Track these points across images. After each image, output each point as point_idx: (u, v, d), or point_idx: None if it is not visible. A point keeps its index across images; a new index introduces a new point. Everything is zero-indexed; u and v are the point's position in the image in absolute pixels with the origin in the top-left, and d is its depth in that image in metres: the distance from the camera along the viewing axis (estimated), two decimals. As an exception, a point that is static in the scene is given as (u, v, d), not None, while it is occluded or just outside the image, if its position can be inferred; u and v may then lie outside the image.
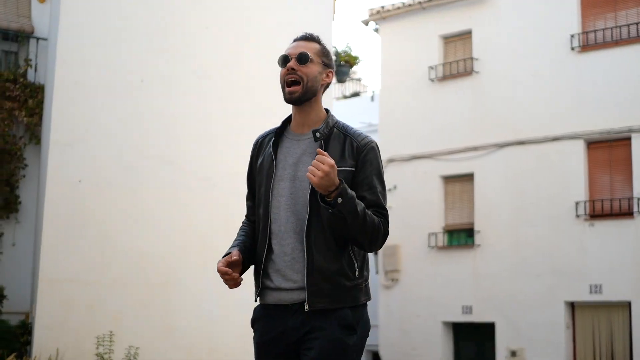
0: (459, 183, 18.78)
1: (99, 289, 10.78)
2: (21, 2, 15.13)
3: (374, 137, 19.30)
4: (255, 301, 3.57)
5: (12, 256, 13.47)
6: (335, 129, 3.53)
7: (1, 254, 13.29)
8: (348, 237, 3.37)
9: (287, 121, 3.66)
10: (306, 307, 3.36)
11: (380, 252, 19.08)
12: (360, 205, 3.31)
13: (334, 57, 14.65)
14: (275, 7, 12.93)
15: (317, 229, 3.39)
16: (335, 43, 17.81)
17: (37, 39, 14.70)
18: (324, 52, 3.60)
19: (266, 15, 12.78)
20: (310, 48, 3.56)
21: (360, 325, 3.45)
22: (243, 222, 3.77)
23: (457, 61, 19.09)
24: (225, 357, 11.09)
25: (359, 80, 26.26)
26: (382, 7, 20.34)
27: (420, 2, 19.65)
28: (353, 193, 3.30)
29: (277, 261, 3.47)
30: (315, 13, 13.30)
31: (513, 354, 17.09)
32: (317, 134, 3.48)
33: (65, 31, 11.31)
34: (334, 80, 16.44)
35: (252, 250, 3.60)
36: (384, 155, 19.30)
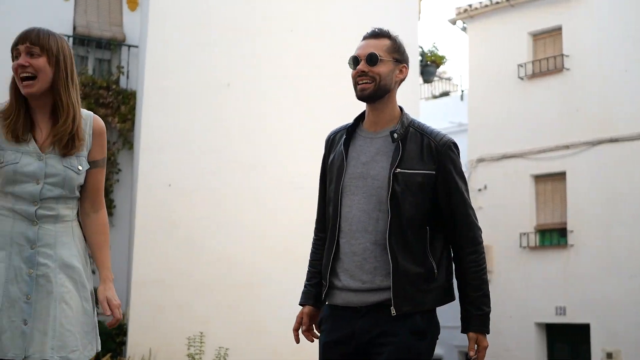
0: (551, 182, 18.46)
1: (188, 291, 10.98)
2: (113, 11, 15.51)
3: (463, 137, 19.24)
4: (324, 301, 3.55)
5: (109, 259, 13.83)
6: (411, 128, 3.46)
7: (97, 256, 13.66)
8: None
9: (360, 118, 3.61)
10: (393, 311, 3.32)
11: (471, 252, 18.87)
12: (482, 299, 3.43)
13: (419, 58, 14.59)
14: (360, 9, 12.94)
15: (398, 232, 3.36)
16: (421, 43, 17.72)
17: (129, 46, 15.04)
18: (394, 48, 3.51)
19: (350, 17, 12.80)
20: (380, 46, 3.48)
21: (430, 329, 3.42)
22: (314, 237, 3.74)
23: (547, 58, 18.77)
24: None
25: (449, 79, 26.04)
26: (470, 6, 20.15)
27: (508, 0, 19.40)
28: (483, 313, 3.42)
29: (346, 260, 3.43)
30: (400, 13, 13.27)
31: (609, 356, 16.69)
32: (395, 135, 3.42)
33: (153, 38, 11.57)
34: (420, 80, 16.40)
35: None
36: (473, 155, 19.17)
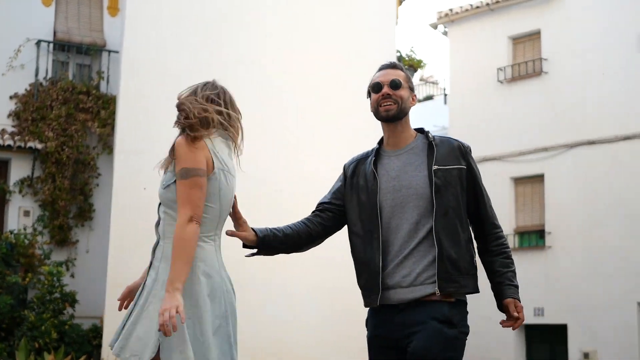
0: (530, 184, 18.64)
1: (163, 293, 11.07)
2: (94, 17, 15.62)
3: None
4: (377, 304, 3.82)
5: (86, 262, 13.91)
6: (435, 137, 3.88)
7: (75, 259, 13.75)
8: None
9: (380, 143, 3.98)
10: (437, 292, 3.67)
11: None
12: (513, 274, 3.89)
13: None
14: (337, 13, 13.04)
15: (444, 222, 3.72)
16: (400, 47, 17.86)
17: (109, 51, 15.16)
18: (407, 78, 3.95)
19: (328, 21, 12.90)
20: (398, 75, 3.90)
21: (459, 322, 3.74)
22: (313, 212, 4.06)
23: (526, 62, 18.95)
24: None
25: (435, 83, 26.16)
26: (451, 10, 20.33)
27: (488, 4, 19.58)
28: (515, 285, 3.86)
29: (391, 268, 3.77)
30: (378, 18, 13.40)
31: (586, 356, 16.87)
32: (430, 135, 3.84)
33: (129, 43, 11.69)
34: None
35: (290, 237, 3.99)
36: (454, 158, 19.29)
